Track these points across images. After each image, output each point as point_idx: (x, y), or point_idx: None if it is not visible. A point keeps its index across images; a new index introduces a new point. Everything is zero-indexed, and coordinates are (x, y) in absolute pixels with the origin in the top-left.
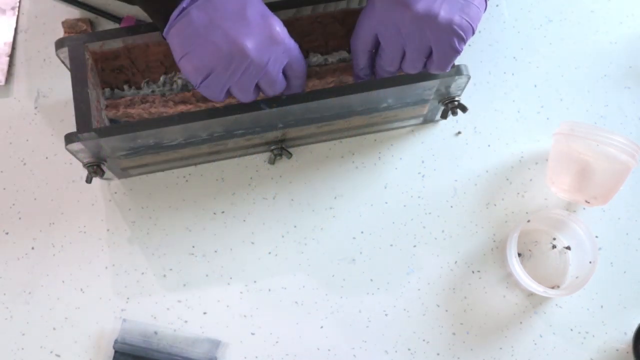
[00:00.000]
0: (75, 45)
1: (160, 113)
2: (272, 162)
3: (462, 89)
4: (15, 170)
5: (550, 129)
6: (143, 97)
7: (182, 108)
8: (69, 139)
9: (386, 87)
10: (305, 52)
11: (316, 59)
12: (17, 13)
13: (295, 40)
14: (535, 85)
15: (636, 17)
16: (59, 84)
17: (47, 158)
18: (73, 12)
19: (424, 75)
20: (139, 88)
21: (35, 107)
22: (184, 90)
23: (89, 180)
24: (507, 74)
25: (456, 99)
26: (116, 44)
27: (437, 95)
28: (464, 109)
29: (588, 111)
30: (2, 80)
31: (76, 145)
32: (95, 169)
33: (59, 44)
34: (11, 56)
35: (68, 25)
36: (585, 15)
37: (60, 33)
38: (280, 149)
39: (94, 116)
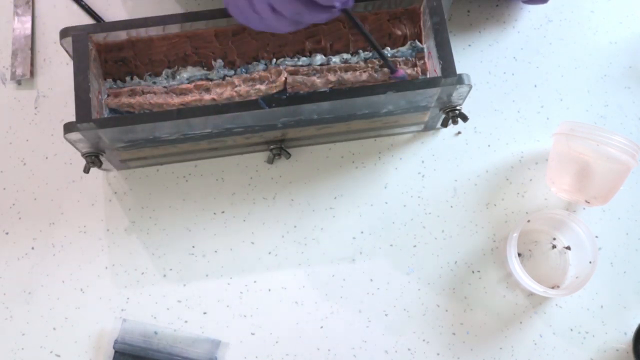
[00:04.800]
0: (79, 35)
1: (161, 104)
2: (270, 161)
3: (464, 98)
4: (15, 170)
5: (550, 129)
6: (145, 88)
7: (183, 99)
8: (68, 128)
9: (387, 92)
10: (309, 52)
11: (319, 58)
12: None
13: (300, 40)
14: (535, 85)
15: (636, 17)
16: (59, 84)
17: (47, 158)
18: (74, 14)
19: (426, 82)
20: (141, 79)
21: (35, 107)
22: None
23: (86, 170)
24: (507, 74)
25: (457, 107)
26: (120, 36)
27: (438, 103)
28: (464, 118)
29: (588, 111)
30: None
31: (75, 135)
32: (93, 159)
33: (63, 33)
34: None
35: None
36: (585, 15)
37: None
38: (279, 149)
39: (94, 107)
